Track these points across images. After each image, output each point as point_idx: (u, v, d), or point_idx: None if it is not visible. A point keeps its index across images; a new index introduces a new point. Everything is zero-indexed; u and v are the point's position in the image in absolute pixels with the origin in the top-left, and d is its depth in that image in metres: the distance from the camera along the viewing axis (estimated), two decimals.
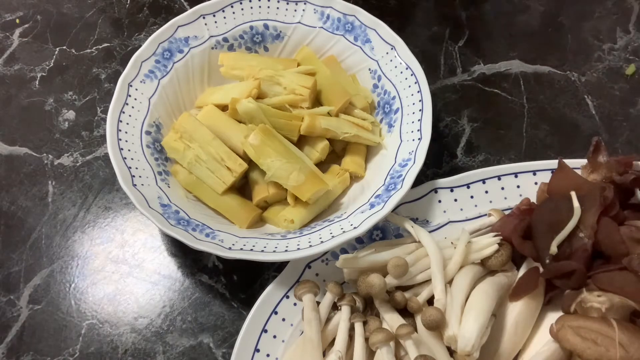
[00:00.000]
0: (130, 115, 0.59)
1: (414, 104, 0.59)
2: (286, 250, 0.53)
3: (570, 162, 0.55)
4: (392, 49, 0.62)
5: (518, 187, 0.57)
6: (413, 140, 0.58)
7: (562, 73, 0.70)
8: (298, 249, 0.53)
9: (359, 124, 0.61)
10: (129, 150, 0.57)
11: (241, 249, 0.53)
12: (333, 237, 0.53)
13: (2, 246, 0.62)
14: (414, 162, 0.56)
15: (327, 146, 0.61)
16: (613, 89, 0.69)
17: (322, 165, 0.61)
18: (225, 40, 0.65)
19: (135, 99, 0.60)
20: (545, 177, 0.56)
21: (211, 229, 0.55)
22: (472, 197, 0.57)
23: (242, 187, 0.61)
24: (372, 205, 0.55)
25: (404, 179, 0.55)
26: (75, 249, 0.62)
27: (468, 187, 0.58)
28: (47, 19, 0.77)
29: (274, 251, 0.53)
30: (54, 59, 0.73)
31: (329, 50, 0.65)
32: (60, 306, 0.59)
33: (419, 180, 0.59)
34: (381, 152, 0.61)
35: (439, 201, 0.58)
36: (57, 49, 0.74)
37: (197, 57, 0.64)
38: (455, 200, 0.58)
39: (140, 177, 0.56)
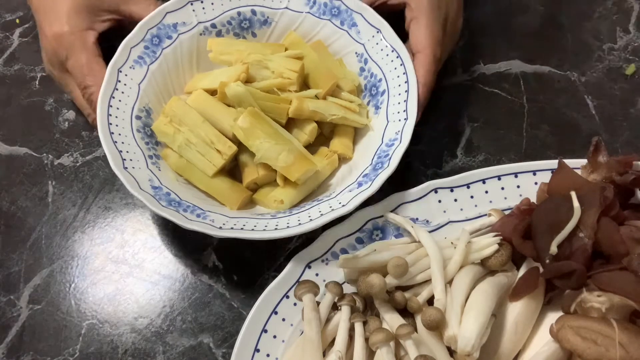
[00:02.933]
0: (120, 101, 0.59)
1: (399, 85, 0.60)
2: (276, 229, 0.54)
3: (570, 162, 0.55)
4: (377, 32, 0.63)
5: (518, 187, 0.57)
6: (399, 120, 0.59)
7: (562, 73, 0.70)
8: (288, 226, 0.54)
9: (346, 106, 0.61)
10: (119, 134, 0.58)
11: (232, 228, 0.54)
12: (322, 214, 0.54)
13: (2, 246, 0.62)
14: (401, 142, 0.57)
15: (315, 128, 0.61)
16: (613, 89, 0.69)
17: (311, 147, 0.62)
18: (213, 26, 0.65)
19: (125, 85, 0.60)
20: (545, 177, 0.56)
21: (202, 209, 0.56)
22: (472, 197, 0.57)
23: (232, 170, 0.62)
24: (359, 184, 0.56)
25: (390, 157, 0.56)
26: (75, 249, 0.62)
27: (468, 187, 0.58)
28: None
29: (264, 229, 0.54)
30: None
31: (316, 35, 0.66)
32: (60, 306, 0.59)
33: (419, 180, 0.59)
34: (368, 133, 0.62)
35: (439, 201, 0.58)
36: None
37: (186, 43, 0.64)
38: (455, 200, 0.58)
39: (131, 160, 0.57)
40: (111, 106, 0.59)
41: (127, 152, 0.57)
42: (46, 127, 0.69)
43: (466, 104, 0.69)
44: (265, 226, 0.55)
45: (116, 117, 0.58)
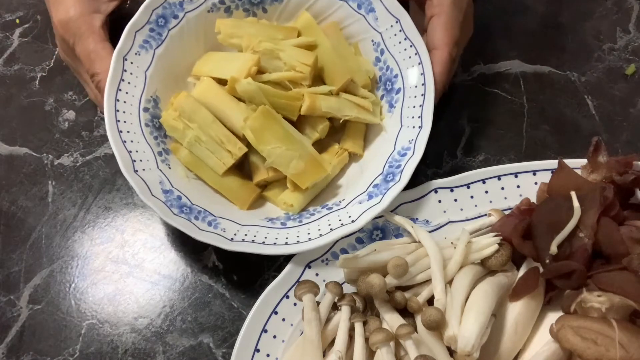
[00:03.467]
0: (127, 93, 0.58)
1: (416, 86, 0.59)
2: (286, 243, 0.54)
3: (570, 162, 0.55)
4: (396, 22, 0.60)
5: (518, 187, 0.57)
6: (413, 127, 0.58)
7: (562, 73, 0.70)
8: (298, 242, 0.54)
9: (360, 104, 0.60)
10: (127, 132, 0.57)
11: (243, 239, 0.54)
12: (332, 230, 0.54)
13: (2, 246, 0.62)
14: (414, 153, 0.56)
15: (327, 127, 0.60)
16: (613, 89, 0.69)
17: (321, 141, 0.61)
18: (222, 2, 0.62)
19: (132, 74, 0.58)
20: (545, 177, 0.56)
21: (213, 215, 0.56)
22: (472, 197, 0.58)
23: (242, 163, 0.61)
24: (370, 196, 0.56)
25: (402, 170, 0.56)
26: (75, 249, 0.62)
27: (468, 187, 0.58)
28: (47, 19, 0.77)
29: (275, 244, 0.54)
30: (54, 59, 0.73)
31: (330, 16, 0.63)
32: (60, 306, 0.59)
33: (419, 180, 0.59)
34: (381, 133, 0.61)
35: (439, 201, 0.58)
36: (57, 49, 0.74)
37: (193, 21, 0.62)
38: (455, 200, 0.58)
39: (141, 160, 0.56)
40: (118, 100, 0.57)
41: (137, 151, 0.56)
42: (46, 127, 0.69)
43: (466, 104, 0.69)
44: (276, 239, 0.55)
45: (124, 112, 0.57)
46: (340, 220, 0.55)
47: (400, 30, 0.60)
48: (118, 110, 0.57)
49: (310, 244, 0.54)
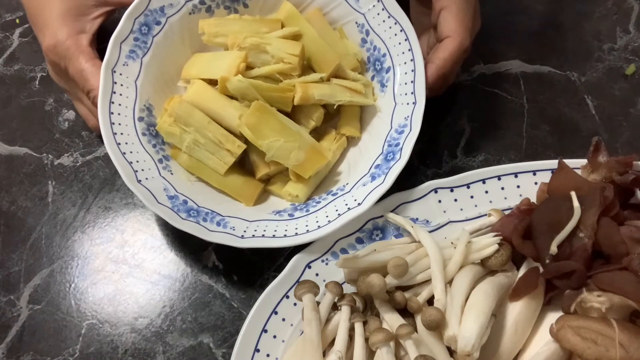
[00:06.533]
0: (120, 105, 0.58)
1: (405, 63, 0.59)
2: (296, 234, 0.55)
3: (570, 162, 0.55)
4: (378, 1, 0.60)
5: (518, 187, 0.57)
6: (407, 104, 0.58)
7: (562, 73, 0.70)
8: (307, 231, 0.55)
9: (352, 87, 0.60)
10: (126, 143, 0.57)
11: (253, 235, 0.54)
12: (340, 215, 0.55)
13: (2, 246, 0.62)
14: (411, 130, 0.57)
15: (322, 114, 0.61)
16: (613, 89, 0.69)
17: (317, 128, 0.62)
18: (202, 2, 0.62)
19: (122, 85, 0.58)
20: (545, 177, 0.56)
21: (221, 215, 0.56)
22: (472, 197, 0.58)
23: (242, 160, 0.61)
24: (373, 177, 0.56)
25: (402, 148, 0.56)
26: (75, 249, 0.62)
27: (468, 187, 0.58)
28: None
29: (285, 235, 0.54)
30: None
31: (311, 4, 0.63)
32: (60, 306, 0.59)
33: (419, 180, 0.59)
34: (377, 114, 0.62)
35: (439, 201, 0.58)
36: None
37: (176, 25, 0.61)
38: (455, 200, 0.58)
39: (142, 170, 0.56)
40: (112, 113, 0.57)
41: (137, 161, 0.56)
42: (46, 127, 0.69)
43: (466, 104, 0.69)
44: (286, 230, 0.55)
45: (119, 124, 0.57)
46: (346, 204, 0.56)
47: (382, 9, 0.60)
48: (114, 123, 0.57)
49: (321, 232, 0.54)
